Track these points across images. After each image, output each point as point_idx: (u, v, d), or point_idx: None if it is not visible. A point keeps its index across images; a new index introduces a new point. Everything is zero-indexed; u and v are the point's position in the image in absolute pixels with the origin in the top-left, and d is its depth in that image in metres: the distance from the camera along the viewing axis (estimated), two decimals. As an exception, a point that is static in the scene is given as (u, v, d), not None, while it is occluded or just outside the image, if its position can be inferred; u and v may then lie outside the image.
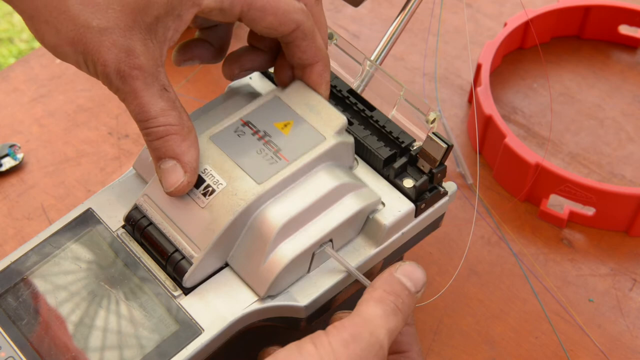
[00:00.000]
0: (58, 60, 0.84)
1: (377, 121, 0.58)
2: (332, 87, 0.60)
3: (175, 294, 0.51)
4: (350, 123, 0.58)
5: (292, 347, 0.46)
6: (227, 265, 0.53)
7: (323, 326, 0.52)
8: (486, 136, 0.77)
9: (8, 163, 0.75)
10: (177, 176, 0.50)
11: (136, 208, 0.53)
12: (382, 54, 0.63)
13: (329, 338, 0.46)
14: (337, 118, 0.54)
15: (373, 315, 0.47)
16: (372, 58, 0.62)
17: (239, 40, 0.89)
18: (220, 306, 0.51)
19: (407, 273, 0.50)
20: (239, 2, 0.50)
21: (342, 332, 0.46)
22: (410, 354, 0.53)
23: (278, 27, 0.51)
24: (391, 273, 0.50)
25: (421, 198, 0.56)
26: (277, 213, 0.51)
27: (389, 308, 0.48)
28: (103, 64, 0.47)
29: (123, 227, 0.54)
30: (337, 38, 0.61)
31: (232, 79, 0.58)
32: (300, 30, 0.52)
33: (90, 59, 0.47)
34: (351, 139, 0.55)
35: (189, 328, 0.50)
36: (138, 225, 0.53)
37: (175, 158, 0.50)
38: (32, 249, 0.53)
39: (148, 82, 0.48)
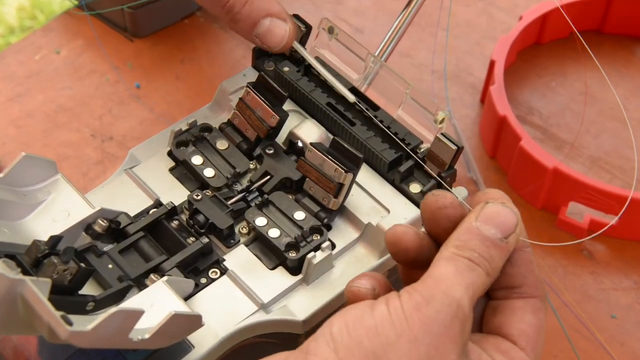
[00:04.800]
0: (37, 56, 0.85)
1: (381, 121, 0.58)
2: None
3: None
4: (352, 124, 0.59)
5: (365, 305, 0.45)
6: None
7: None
8: (500, 139, 0.78)
9: (-18, 167, 0.76)
10: (281, 29, 0.56)
11: None
12: (387, 50, 0.63)
13: (402, 302, 0.45)
14: None
15: (445, 274, 0.46)
16: (376, 54, 0.62)
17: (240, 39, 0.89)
18: (211, 321, 0.51)
19: (489, 219, 0.47)
20: None
21: (414, 295, 0.45)
22: (525, 289, 0.48)
23: None
24: (470, 223, 0.47)
25: (429, 204, 0.56)
26: None
27: (462, 264, 0.46)
28: None
29: None
30: (339, 32, 0.61)
31: None
32: None
33: None
34: None
35: (177, 344, 0.50)
36: None
37: (268, 15, 0.55)
38: None
39: None
